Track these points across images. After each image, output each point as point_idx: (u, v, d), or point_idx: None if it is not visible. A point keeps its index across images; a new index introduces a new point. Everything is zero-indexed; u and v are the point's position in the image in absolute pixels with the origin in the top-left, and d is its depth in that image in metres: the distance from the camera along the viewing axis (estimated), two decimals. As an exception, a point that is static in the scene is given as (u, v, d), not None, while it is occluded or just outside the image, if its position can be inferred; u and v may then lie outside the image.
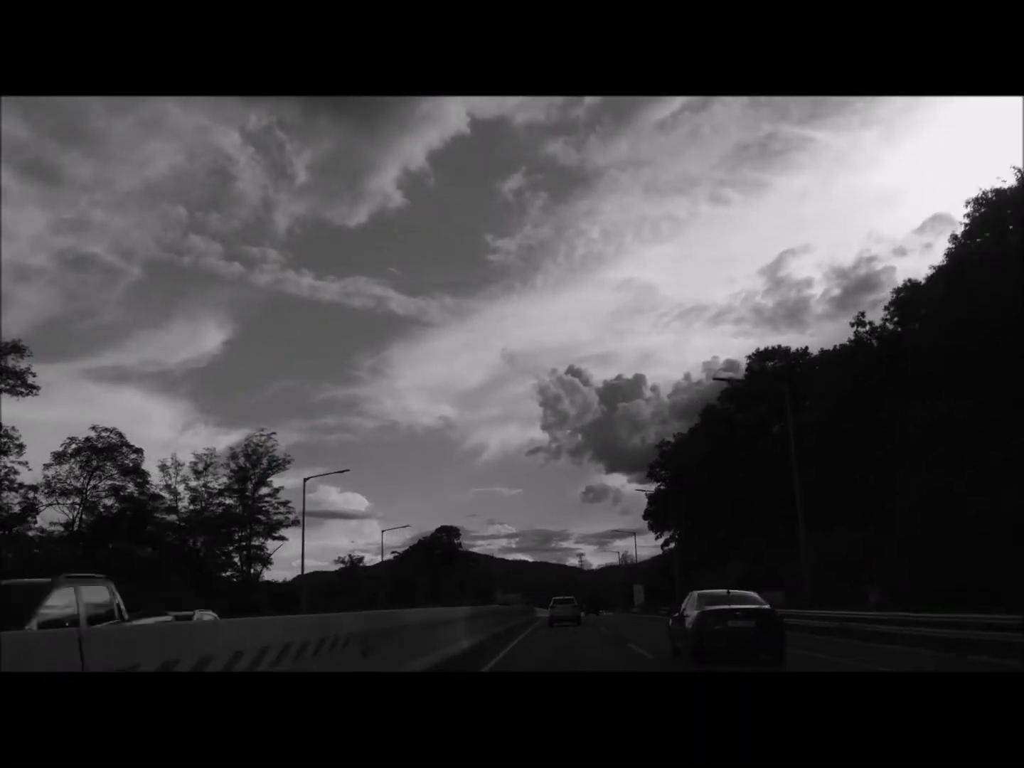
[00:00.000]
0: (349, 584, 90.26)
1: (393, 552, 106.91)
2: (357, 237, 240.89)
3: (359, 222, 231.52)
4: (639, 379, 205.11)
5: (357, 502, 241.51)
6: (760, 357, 63.77)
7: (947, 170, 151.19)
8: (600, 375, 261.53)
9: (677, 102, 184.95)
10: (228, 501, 67.30)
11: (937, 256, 57.40)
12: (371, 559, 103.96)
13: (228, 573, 66.82)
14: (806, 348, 62.40)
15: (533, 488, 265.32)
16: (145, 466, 61.47)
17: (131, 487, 59.68)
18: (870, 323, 46.31)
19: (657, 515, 78.82)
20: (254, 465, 68.48)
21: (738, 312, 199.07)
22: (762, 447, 56.11)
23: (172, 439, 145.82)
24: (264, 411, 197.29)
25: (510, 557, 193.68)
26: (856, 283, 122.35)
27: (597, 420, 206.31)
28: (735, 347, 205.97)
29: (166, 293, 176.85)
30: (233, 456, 68.51)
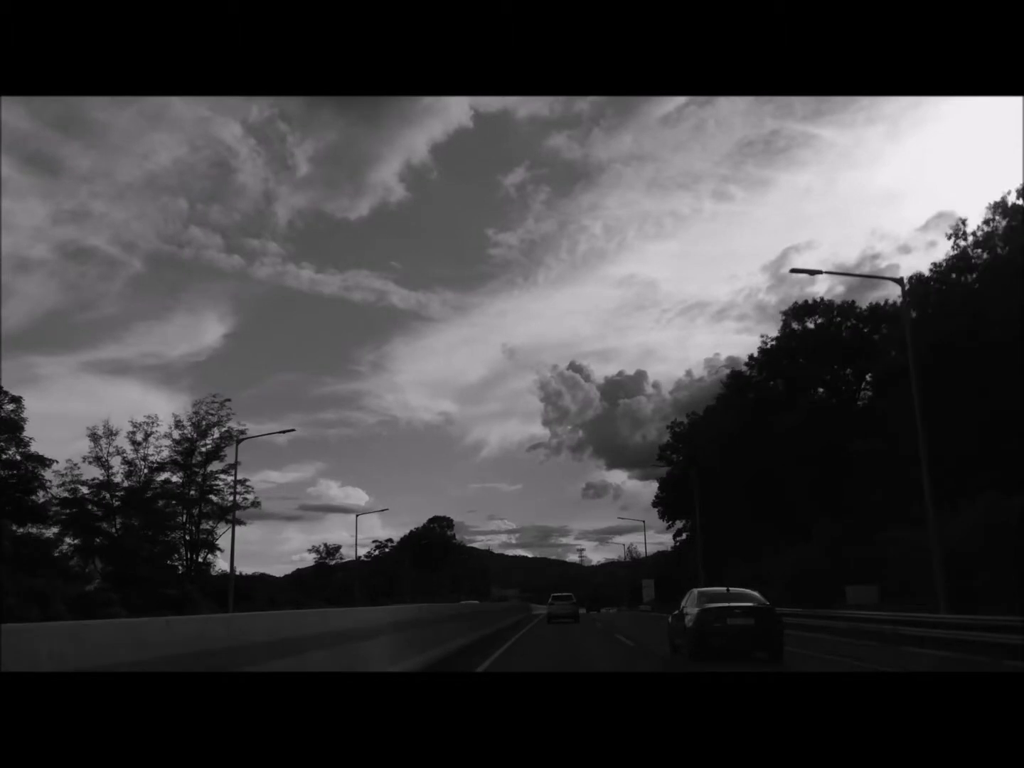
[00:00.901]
0: (322, 580, 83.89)
1: (375, 541, 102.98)
2: (358, 230, 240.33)
3: (360, 215, 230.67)
4: (640, 375, 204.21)
5: (357, 496, 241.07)
6: (796, 313, 52.67)
7: (952, 168, 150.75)
8: (601, 371, 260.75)
9: (681, 98, 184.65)
10: (175, 479, 57.10)
11: (939, 255, 52.92)
12: (367, 552, 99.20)
13: (167, 562, 55.42)
14: (853, 302, 51.86)
15: (533, 484, 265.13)
16: (75, 434, 51.77)
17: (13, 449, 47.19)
18: (973, 233, 34.65)
19: (669, 503, 69.30)
20: (203, 435, 57.49)
21: (741, 309, 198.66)
22: (797, 419, 46.71)
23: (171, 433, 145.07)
24: (264, 405, 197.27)
25: (509, 553, 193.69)
26: (859, 280, 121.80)
27: (598, 416, 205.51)
28: (738, 344, 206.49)
29: (166, 286, 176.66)
30: (177, 424, 57.17)
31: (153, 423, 55.84)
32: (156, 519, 54.79)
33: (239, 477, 55.85)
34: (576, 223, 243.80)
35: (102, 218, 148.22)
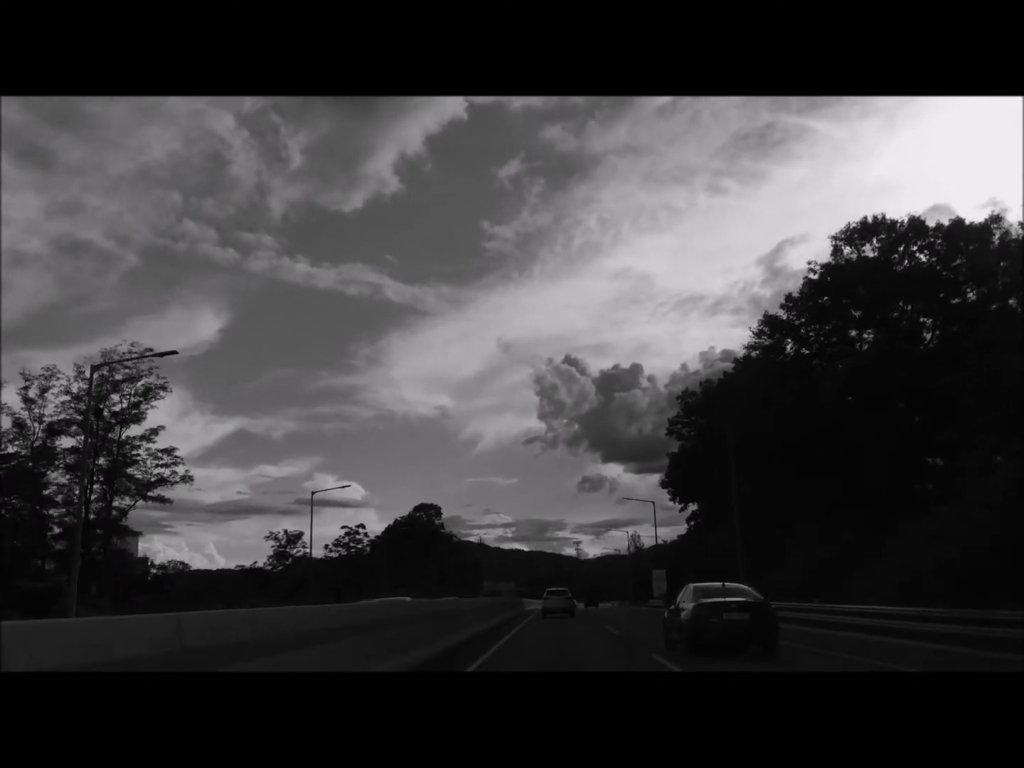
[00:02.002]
0: (285, 572, 73.65)
1: (344, 528, 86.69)
2: (352, 223, 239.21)
3: (354, 208, 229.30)
4: (636, 369, 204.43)
5: (353, 491, 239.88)
6: (850, 238, 40.65)
7: (947, 162, 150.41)
8: (597, 365, 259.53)
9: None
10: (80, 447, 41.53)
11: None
12: (335, 539, 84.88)
13: (61, 546, 42.94)
14: (923, 220, 39.63)
15: (529, 478, 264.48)
16: None
17: None
18: None
19: (681, 482, 57.04)
20: (114, 388, 44.77)
21: (736, 302, 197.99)
22: (857, 364, 37.98)
23: (168, 427, 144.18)
24: (260, 399, 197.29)
25: (505, 546, 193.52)
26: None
27: (594, 410, 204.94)
28: (733, 337, 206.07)
29: (161, 280, 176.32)
30: (79, 375, 43.71)
31: (52, 376, 43.57)
32: (32, 494, 42.47)
33: (165, 446, 46.67)
34: (571, 216, 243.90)
35: (96, 212, 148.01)
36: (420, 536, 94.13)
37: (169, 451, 47.56)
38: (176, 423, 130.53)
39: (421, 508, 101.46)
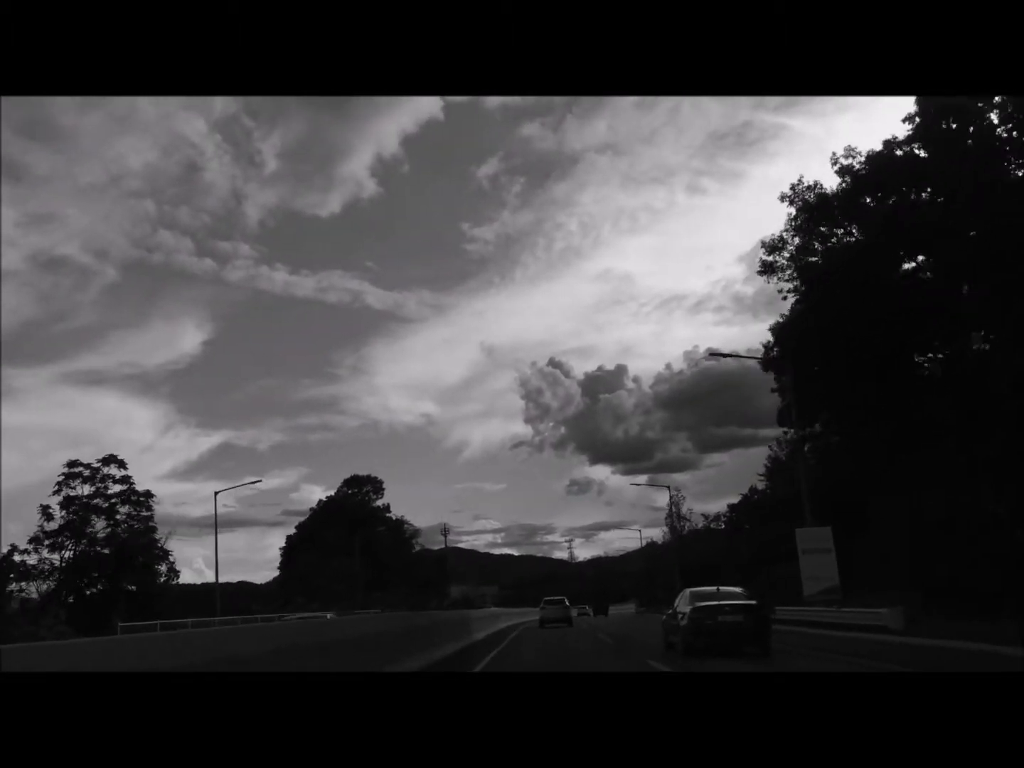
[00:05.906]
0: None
1: (72, 467, 46.69)
2: (330, 228, 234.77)
3: (332, 211, 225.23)
4: (620, 370, 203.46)
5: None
6: None
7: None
8: (581, 367, 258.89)
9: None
10: None
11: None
12: None
13: None
14: None
15: (517, 482, 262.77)
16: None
17: None
18: None
19: (806, 351, 30.19)
20: None
21: (718, 300, 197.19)
22: None
23: (152, 442, 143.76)
24: (244, 411, 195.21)
25: (496, 551, 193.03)
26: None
27: (579, 412, 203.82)
28: (716, 336, 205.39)
29: (141, 293, 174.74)
30: None
31: None
32: None
33: None
34: (551, 220, 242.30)
35: (71, 224, 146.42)
36: (345, 522, 64.55)
37: None
38: (161, 437, 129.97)
39: (353, 482, 71.75)
